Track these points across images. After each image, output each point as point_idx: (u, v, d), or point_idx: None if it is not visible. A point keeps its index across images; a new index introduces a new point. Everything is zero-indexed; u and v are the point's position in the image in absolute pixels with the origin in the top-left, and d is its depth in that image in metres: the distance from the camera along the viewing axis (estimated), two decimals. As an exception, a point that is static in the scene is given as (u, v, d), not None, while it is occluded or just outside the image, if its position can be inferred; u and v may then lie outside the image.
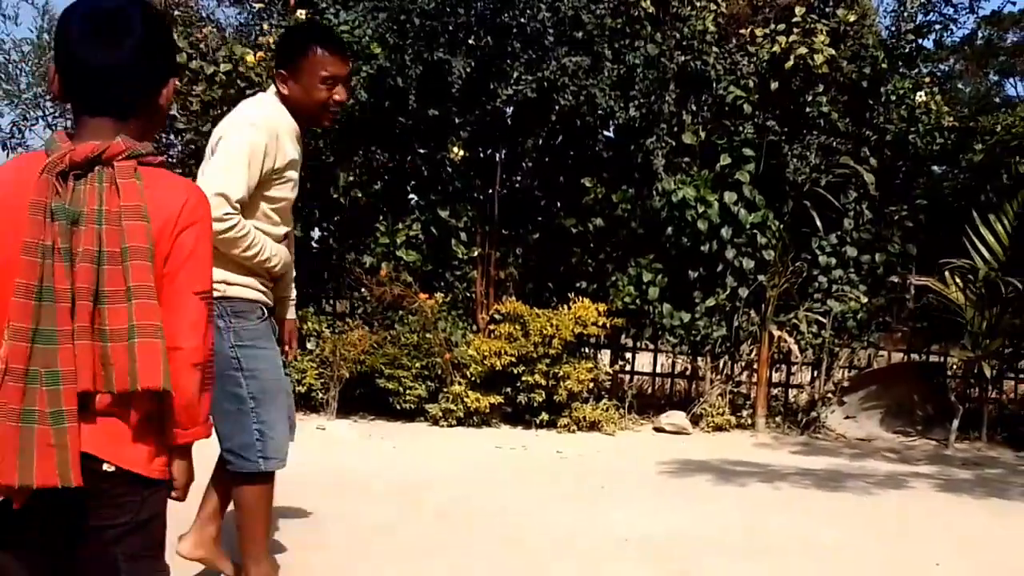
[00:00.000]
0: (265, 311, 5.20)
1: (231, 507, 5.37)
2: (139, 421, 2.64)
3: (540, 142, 12.11)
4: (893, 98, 12.17)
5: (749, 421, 12.17)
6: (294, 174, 5.23)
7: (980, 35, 13.99)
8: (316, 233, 12.79)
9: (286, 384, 5.42)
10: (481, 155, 12.48)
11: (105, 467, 2.58)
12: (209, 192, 4.17)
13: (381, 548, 6.52)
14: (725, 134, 12.08)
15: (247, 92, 11.33)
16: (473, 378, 11.35)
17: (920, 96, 12.22)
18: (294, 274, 5.53)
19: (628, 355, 13.23)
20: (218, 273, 4.54)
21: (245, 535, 5.17)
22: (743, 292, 12.05)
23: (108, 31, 2.63)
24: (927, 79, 12.67)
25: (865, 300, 12.24)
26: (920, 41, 12.66)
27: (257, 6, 12.64)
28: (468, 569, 6.09)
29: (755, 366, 12.43)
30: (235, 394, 5.01)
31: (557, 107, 11.50)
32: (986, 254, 11.36)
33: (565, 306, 11.74)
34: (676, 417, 11.85)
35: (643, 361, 13.49)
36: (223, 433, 5.06)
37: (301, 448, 10.20)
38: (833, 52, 11.78)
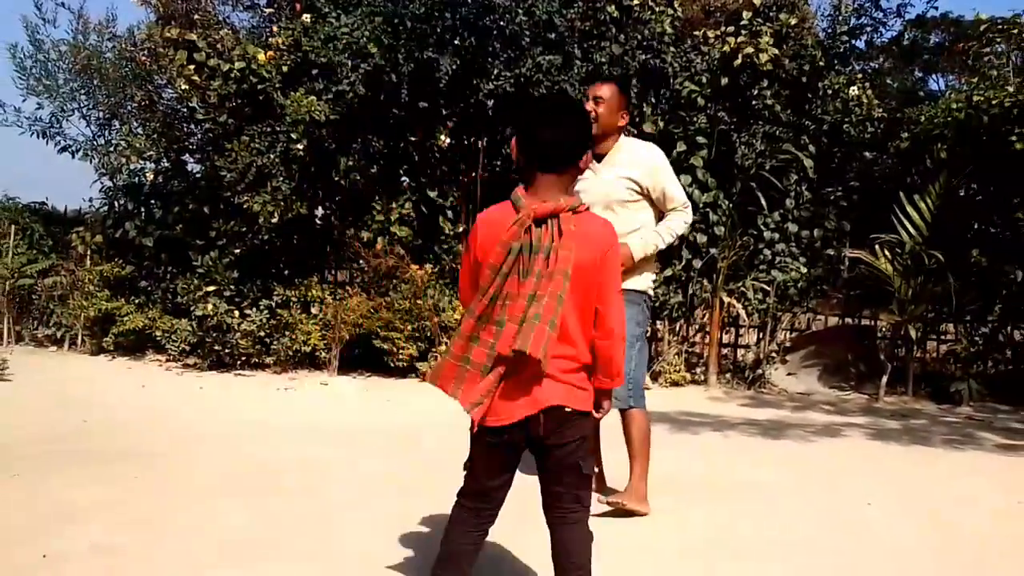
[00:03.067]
0: None
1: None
2: (581, 380, 3.66)
3: (518, 131, 12.01)
4: (829, 92, 12.14)
5: (702, 377, 12.14)
6: None
7: (906, 37, 13.94)
8: (319, 211, 12.71)
9: None
10: (465, 142, 12.38)
11: (567, 410, 3.61)
12: (685, 197, 6.20)
13: (379, 488, 6.48)
14: (681, 124, 12.02)
15: (258, 87, 11.33)
16: (459, 340, 11.26)
17: (853, 90, 12.20)
18: None
19: (595, 319, 13.12)
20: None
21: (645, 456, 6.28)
22: (697, 263, 12.01)
23: (564, 121, 3.65)
24: (859, 75, 12.63)
25: (805, 270, 12.22)
26: (853, 42, 12.66)
27: (267, 11, 12.57)
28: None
29: (707, 329, 12.40)
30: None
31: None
32: (911, 230, 11.32)
33: (540, 276, 11.66)
34: (638, 374, 11.78)
35: (609, 324, 13.41)
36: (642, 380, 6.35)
37: (307, 401, 10.16)
38: (776, 51, 11.75)
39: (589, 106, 6.14)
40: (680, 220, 6.13)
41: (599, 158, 6.16)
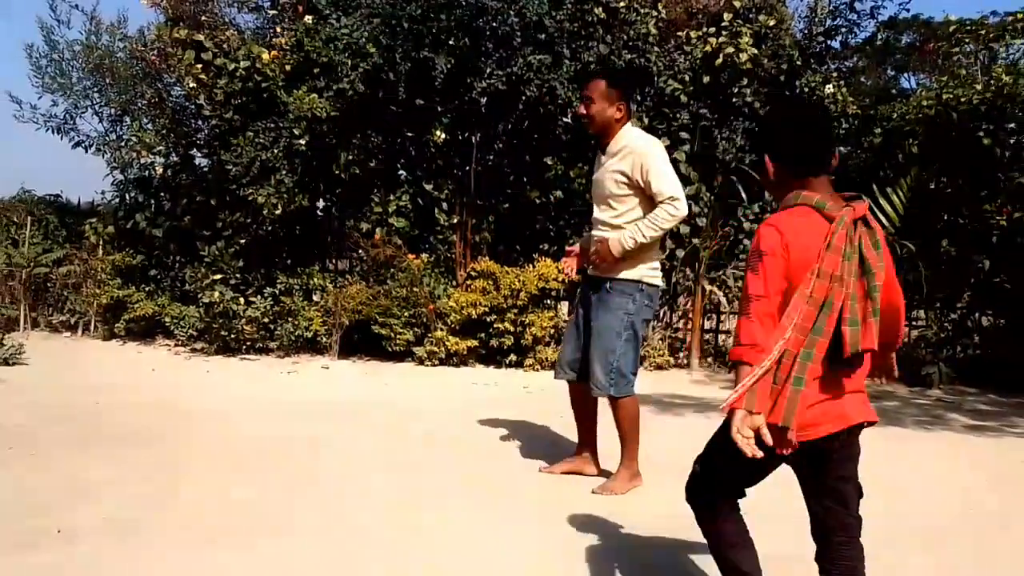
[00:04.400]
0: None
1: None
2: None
3: (510, 127, 12.03)
4: (806, 90, 12.13)
5: (685, 361, 12.16)
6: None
7: (879, 37, 13.94)
8: (321, 203, 12.75)
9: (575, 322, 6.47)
10: (460, 138, 12.36)
11: (864, 424, 3.54)
12: (673, 190, 5.87)
13: (378, 466, 6.50)
14: (665, 120, 12.01)
15: (262, 85, 11.35)
16: (453, 325, 11.32)
17: (828, 88, 12.18)
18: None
19: (584, 306, 13.15)
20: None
21: None
22: (680, 253, 12.02)
23: (822, 121, 3.59)
24: (834, 74, 12.61)
25: (783, 259, 12.22)
26: (829, 42, 12.63)
27: (271, 13, 12.57)
28: (451, 482, 6.07)
29: (690, 315, 12.42)
30: None
31: (524, 97, 11.46)
32: (884, 221, 11.32)
33: (530, 265, 11.72)
34: (624, 358, 11.81)
35: (596, 311, 13.43)
36: (629, 369, 6.23)
37: (310, 383, 10.17)
38: (755, 51, 11.76)
39: (580, 109, 6.22)
40: (664, 213, 5.84)
41: (604, 151, 6.22)
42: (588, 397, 6.32)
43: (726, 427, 3.24)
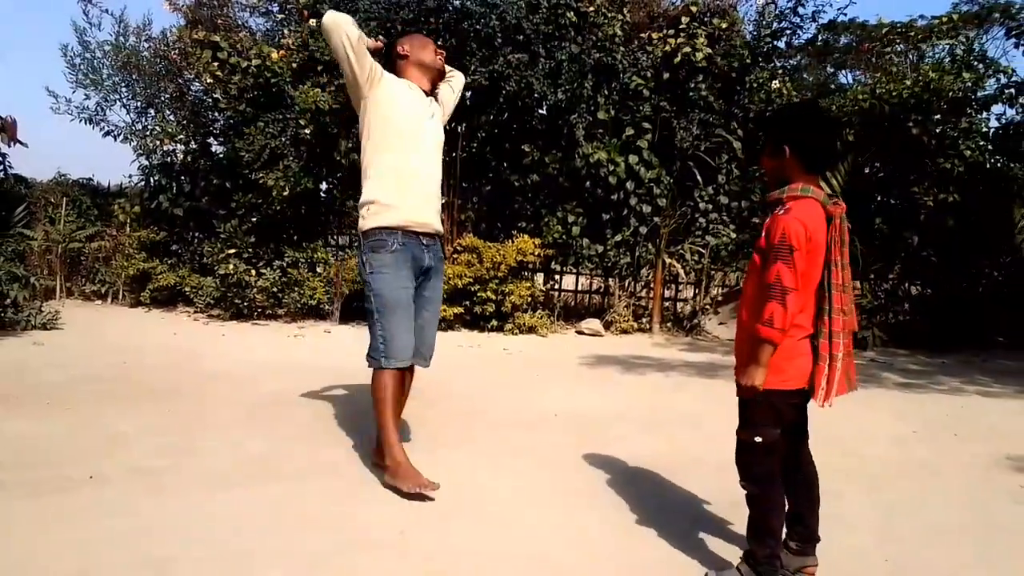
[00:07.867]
0: (397, 241, 4.84)
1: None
2: None
3: (491, 118, 12.01)
4: (755, 85, 12.13)
5: (647, 326, 12.20)
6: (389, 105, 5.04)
7: (820, 38, 13.88)
8: (324, 186, 12.71)
9: (406, 296, 4.89)
10: (447, 128, 12.30)
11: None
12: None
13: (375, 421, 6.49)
14: (629, 112, 12.01)
15: (272, 81, 11.32)
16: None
17: (775, 84, 12.19)
18: (421, 194, 5.05)
19: (557, 277, 13.23)
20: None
21: (376, 421, 4.99)
22: (643, 230, 12.04)
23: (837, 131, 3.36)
24: (780, 71, 12.60)
25: (734, 236, 12.25)
26: (775, 42, 12.60)
27: (280, 16, 12.54)
28: (442, 435, 6.06)
29: (652, 285, 12.47)
30: (367, 308, 4.90)
31: (504, 92, 11.47)
32: (823, 202, 11.37)
33: (510, 240, 11.74)
34: (592, 323, 11.86)
35: (568, 281, 13.48)
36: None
37: (314, 346, 10.11)
38: (710, 51, 11.76)
39: (440, 60, 5.38)
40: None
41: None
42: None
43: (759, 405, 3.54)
